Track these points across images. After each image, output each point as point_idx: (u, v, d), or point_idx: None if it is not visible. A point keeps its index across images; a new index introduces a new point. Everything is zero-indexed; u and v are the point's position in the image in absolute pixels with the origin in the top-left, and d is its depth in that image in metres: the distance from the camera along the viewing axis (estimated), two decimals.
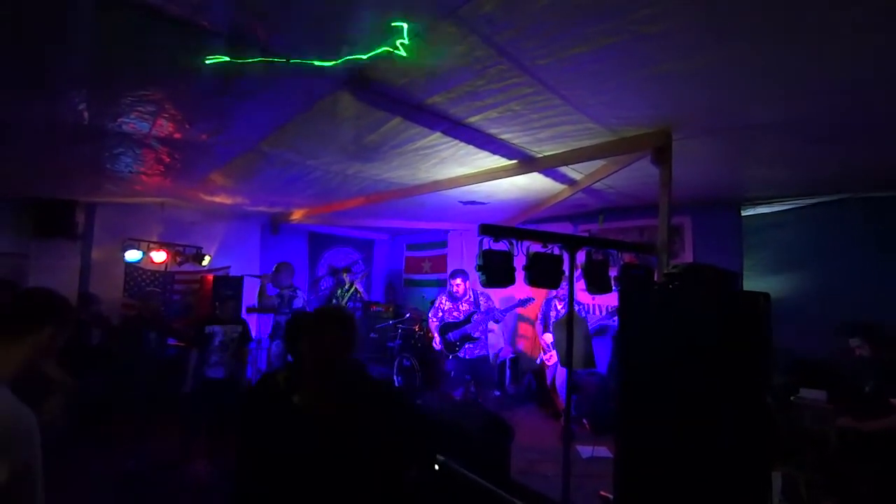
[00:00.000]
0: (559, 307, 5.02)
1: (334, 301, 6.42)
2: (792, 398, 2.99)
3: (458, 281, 5.16)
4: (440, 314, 5.26)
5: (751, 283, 4.40)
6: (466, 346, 5.08)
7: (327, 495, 1.40)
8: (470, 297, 5.19)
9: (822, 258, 4.22)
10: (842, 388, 3.07)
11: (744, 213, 4.59)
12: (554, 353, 4.98)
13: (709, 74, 2.09)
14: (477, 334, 5.09)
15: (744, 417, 1.78)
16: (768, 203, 4.47)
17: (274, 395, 1.55)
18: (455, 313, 5.18)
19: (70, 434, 3.90)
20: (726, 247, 4.52)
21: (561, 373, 4.99)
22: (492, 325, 5.48)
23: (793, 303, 4.16)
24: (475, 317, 5.07)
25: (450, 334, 5.14)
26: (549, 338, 5.05)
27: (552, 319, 5.04)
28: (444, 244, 7.70)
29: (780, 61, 1.96)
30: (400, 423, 1.46)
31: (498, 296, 5.54)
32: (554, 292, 4.96)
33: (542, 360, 5.19)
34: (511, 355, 6.21)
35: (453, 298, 5.22)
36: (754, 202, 4.50)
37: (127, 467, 3.79)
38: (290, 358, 2.02)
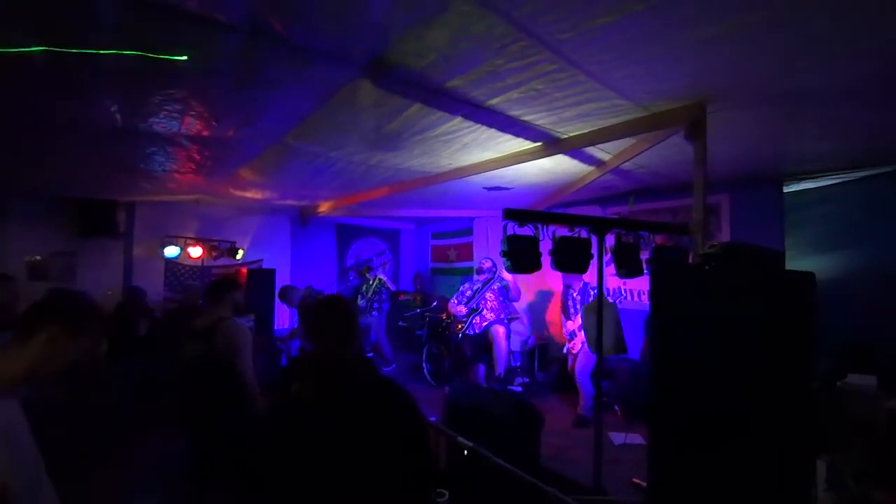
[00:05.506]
0: (575, 295, 4.85)
1: (360, 297, 6.56)
2: (838, 383, 2.82)
3: (487, 260, 5.45)
4: (461, 297, 5.50)
5: (792, 264, 4.16)
6: (473, 320, 5.28)
7: (318, 487, 1.35)
8: (488, 274, 5.34)
9: (871, 235, 3.94)
10: (893, 372, 2.87)
11: (786, 190, 4.34)
12: (577, 341, 4.83)
13: (748, 38, 1.95)
14: (480, 306, 5.27)
15: (786, 404, 1.69)
16: (813, 178, 4.19)
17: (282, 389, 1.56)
18: (468, 292, 5.43)
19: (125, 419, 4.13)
20: (767, 226, 4.28)
21: (582, 361, 4.76)
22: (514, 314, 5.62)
23: (839, 283, 3.91)
24: (483, 288, 5.28)
25: (461, 308, 5.36)
26: (571, 326, 4.92)
27: (571, 308, 4.89)
28: (469, 232, 7.66)
29: (829, 20, 1.80)
30: (394, 419, 1.40)
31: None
32: (570, 281, 4.90)
33: (567, 350, 5.02)
34: (539, 342, 6.15)
35: (476, 274, 5.50)
36: (797, 177, 4.23)
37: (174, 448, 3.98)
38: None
